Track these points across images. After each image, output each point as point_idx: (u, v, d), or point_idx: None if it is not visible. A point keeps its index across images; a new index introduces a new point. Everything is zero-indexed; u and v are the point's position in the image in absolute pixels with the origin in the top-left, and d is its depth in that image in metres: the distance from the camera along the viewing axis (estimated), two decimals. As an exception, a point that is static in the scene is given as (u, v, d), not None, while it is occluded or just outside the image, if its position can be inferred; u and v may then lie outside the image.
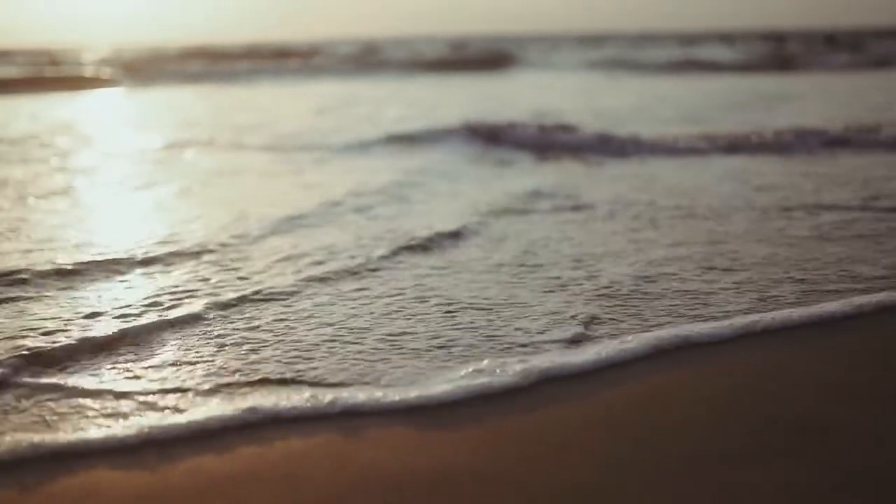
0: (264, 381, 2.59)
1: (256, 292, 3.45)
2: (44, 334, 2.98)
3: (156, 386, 2.56)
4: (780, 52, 31.60)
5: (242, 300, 3.35)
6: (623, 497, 2.01)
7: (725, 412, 2.44)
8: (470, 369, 2.62)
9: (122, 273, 3.83)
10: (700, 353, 2.86)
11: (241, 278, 3.75)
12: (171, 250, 4.22)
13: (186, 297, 3.43)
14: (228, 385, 2.56)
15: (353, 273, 3.81)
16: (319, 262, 3.97)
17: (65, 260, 3.98)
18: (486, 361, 2.69)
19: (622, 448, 2.23)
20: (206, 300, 3.36)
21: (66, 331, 3.01)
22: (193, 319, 3.11)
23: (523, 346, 2.89)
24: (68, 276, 3.73)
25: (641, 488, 2.04)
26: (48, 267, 3.81)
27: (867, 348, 2.94)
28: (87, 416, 2.38)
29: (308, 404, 2.39)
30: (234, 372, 2.65)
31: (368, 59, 32.62)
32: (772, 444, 2.23)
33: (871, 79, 18.40)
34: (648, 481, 2.07)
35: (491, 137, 8.84)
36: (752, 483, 2.04)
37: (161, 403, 2.42)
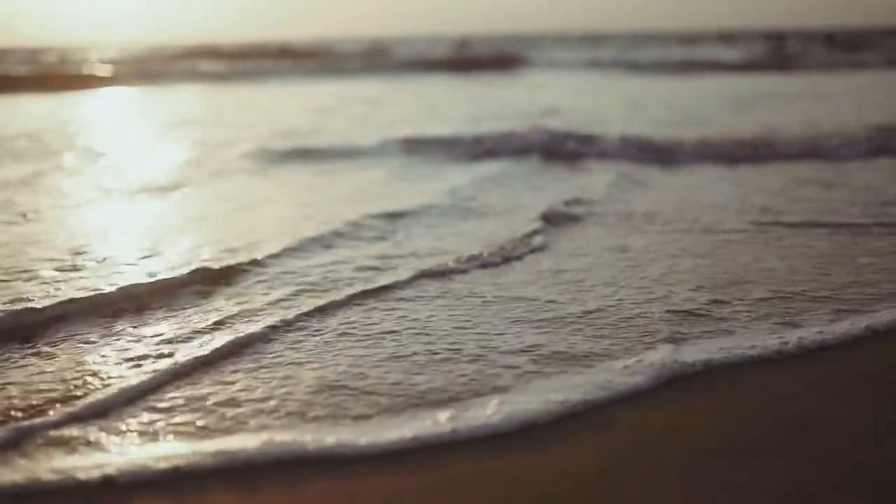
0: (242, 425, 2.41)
1: (265, 326, 3.17)
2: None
3: (134, 429, 2.40)
4: (786, 52, 31.59)
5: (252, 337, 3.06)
6: (623, 497, 2.01)
7: (726, 412, 2.44)
8: (448, 415, 2.41)
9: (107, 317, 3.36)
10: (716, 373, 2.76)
11: (258, 308, 3.43)
12: (184, 273, 3.81)
13: (197, 329, 3.18)
14: (206, 428, 2.39)
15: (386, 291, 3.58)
16: (324, 290, 3.67)
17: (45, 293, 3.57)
18: (448, 412, 2.44)
19: (622, 448, 2.24)
20: (206, 333, 3.13)
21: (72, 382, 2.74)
22: (201, 362, 2.83)
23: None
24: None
25: (641, 488, 2.04)
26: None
27: (875, 354, 2.92)
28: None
29: (302, 448, 2.25)
30: (215, 415, 2.47)
31: (377, 58, 32.28)
32: (772, 443, 2.24)
33: (872, 79, 18.40)
34: (648, 481, 2.07)
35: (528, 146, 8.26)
36: (753, 483, 2.05)
37: (138, 446, 2.29)
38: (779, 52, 32.20)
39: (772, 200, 5.55)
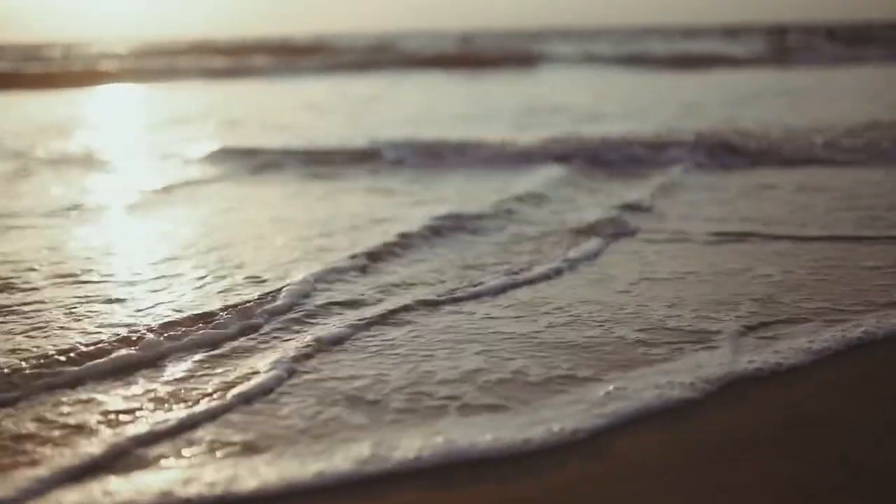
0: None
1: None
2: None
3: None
4: (787, 46, 31.58)
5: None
6: (623, 497, 2.03)
7: (729, 421, 2.44)
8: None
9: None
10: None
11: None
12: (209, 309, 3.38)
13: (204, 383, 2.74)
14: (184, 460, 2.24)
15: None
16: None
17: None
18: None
19: (625, 459, 2.25)
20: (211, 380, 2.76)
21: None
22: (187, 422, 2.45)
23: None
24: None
25: (642, 489, 2.06)
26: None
27: (874, 358, 2.92)
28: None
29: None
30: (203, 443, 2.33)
31: (387, 55, 31.83)
32: (773, 447, 2.25)
33: (874, 73, 18.37)
34: (649, 484, 2.09)
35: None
36: (753, 483, 2.06)
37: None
38: (781, 46, 32.18)
39: (777, 208, 5.40)
